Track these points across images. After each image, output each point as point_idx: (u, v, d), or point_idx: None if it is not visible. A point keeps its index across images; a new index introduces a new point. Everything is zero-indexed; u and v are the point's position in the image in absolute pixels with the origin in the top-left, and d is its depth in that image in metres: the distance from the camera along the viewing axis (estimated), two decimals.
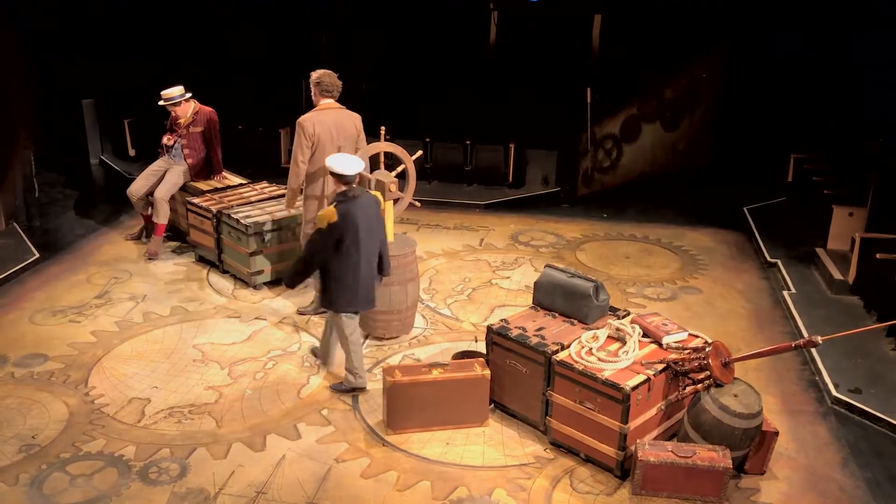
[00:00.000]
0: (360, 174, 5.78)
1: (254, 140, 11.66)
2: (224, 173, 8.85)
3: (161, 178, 8.47)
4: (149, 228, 8.73)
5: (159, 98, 8.29)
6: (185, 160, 8.46)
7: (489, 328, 5.77)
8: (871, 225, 8.11)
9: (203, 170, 8.63)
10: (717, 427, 4.98)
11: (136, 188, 8.52)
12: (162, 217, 8.41)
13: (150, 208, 8.58)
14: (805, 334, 6.76)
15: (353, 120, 6.85)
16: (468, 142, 11.16)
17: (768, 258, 8.75)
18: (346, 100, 6.93)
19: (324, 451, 5.40)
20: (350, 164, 5.59)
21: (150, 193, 8.50)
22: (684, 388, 5.23)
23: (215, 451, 5.38)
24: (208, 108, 8.49)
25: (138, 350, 6.65)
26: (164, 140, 8.50)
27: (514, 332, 5.62)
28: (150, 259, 8.40)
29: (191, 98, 8.39)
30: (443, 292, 7.88)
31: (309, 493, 4.98)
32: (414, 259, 6.79)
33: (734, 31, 11.33)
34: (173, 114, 8.40)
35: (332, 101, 6.80)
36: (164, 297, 7.63)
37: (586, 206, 10.51)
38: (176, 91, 8.27)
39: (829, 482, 5.21)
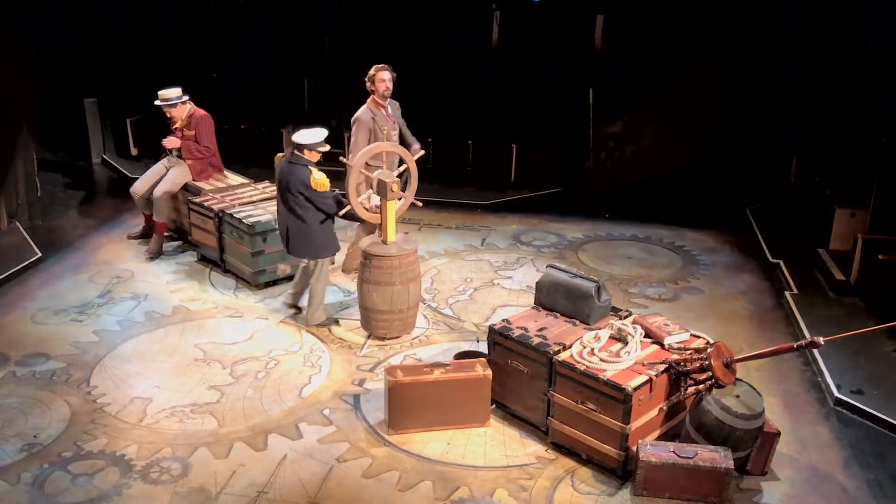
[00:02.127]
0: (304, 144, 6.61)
1: (256, 140, 11.66)
2: (224, 172, 8.87)
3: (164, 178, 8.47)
4: (151, 227, 8.73)
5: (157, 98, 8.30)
6: (184, 161, 8.48)
7: (491, 328, 5.76)
8: (874, 226, 8.10)
9: (204, 170, 8.63)
10: (718, 428, 4.98)
11: (139, 187, 8.54)
12: (161, 216, 8.41)
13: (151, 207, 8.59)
14: (807, 335, 6.75)
15: None
16: (470, 142, 11.15)
17: (770, 259, 8.74)
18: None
19: (325, 450, 5.41)
20: (300, 132, 6.61)
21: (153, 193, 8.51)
22: (686, 389, 5.21)
23: (217, 450, 5.38)
24: (202, 112, 8.49)
25: (140, 349, 6.66)
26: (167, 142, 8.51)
27: (516, 333, 5.62)
28: (150, 258, 8.41)
29: (188, 101, 8.40)
30: (444, 292, 7.88)
31: (310, 493, 4.98)
32: (415, 259, 6.78)
33: (737, 31, 11.30)
34: (168, 115, 8.40)
35: None
36: (166, 296, 7.64)
37: (588, 207, 10.50)
38: (173, 92, 8.27)
39: (831, 483, 5.21)
